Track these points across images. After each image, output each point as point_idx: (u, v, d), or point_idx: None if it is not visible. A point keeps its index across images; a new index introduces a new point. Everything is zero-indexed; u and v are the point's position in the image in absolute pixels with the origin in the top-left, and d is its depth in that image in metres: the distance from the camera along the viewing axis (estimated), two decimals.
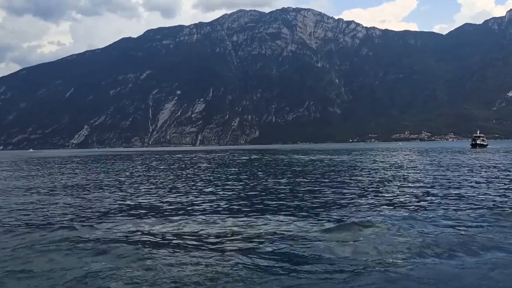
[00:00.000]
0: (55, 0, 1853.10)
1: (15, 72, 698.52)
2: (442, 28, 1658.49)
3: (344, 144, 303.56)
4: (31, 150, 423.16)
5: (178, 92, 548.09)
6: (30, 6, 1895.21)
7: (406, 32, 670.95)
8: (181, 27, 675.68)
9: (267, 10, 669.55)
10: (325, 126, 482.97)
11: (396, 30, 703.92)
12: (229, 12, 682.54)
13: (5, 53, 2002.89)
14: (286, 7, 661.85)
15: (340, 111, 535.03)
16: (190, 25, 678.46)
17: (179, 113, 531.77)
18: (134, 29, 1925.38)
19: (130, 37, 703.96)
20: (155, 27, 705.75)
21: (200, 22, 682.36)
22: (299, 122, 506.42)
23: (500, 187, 21.53)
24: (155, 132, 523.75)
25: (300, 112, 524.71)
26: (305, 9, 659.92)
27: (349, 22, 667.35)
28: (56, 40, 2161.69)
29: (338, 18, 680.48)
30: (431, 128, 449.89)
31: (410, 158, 55.89)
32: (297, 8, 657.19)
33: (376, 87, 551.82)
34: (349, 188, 21.89)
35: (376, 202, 16.82)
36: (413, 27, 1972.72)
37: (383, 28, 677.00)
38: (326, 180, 26.77)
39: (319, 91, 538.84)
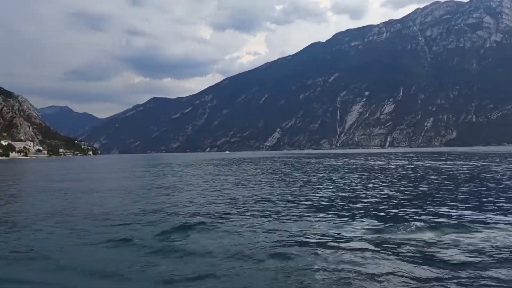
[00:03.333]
0: (252, 14, 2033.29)
1: (219, 82, 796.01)
2: None
3: None
4: (227, 152, 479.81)
5: (366, 93, 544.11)
6: (232, 21, 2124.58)
7: None
8: (370, 27, 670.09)
9: None
10: None
11: None
12: (421, 6, 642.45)
13: (212, 65, 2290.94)
14: None
15: None
16: (379, 24, 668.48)
17: (367, 114, 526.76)
18: (323, 34, 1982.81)
19: (319, 41, 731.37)
20: (343, 30, 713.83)
21: (389, 20, 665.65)
22: (506, 120, 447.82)
23: None
24: (342, 134, 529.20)
25: (506, 109, 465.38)
26: None
27: None
28: (253, 50, 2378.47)
29: None
30: None
31: None
32: None
33: None
34: None
35: None
36: None
37: None
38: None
39: None
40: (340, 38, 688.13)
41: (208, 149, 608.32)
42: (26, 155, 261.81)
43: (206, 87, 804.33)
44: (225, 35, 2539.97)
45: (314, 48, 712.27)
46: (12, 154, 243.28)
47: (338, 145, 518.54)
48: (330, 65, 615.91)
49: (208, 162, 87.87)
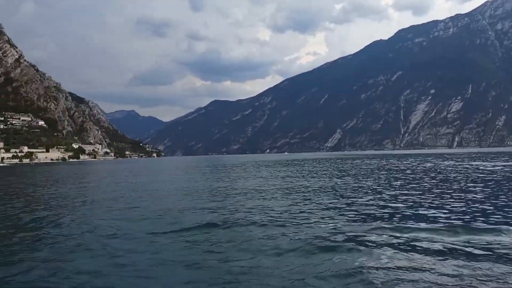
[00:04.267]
0: (311, 14, 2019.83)
1: (279, 84, 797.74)
2: None
3: None
4: (286, 153, 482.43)
5: (432, 91, 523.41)
6: (290, 22, 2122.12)
7: None
8: (434, 23, 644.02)
9: None
10: None
11: None
12: None
13: (271, 67, 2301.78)
14: None
15: None
16: (445, 19, 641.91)
17: (433, 113, 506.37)
18: (385, 31, 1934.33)
19: (380, 39, 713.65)
20: (406, 26, 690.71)
21: (456, 15, 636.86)
22: None
23: None
24: (406, 134, 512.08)
25: None
26: None
27: None
28: (312, 51, 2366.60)
29: None
30: None
31: None
32: None
33: None
34: None
35: None
36: None
37: None
38: None
39: None
40: (403, 35, 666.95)
41: (267, 151, 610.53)
42: (94, 157, 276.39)
43: (265, 88, 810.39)
44: (284, 36, 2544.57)
45: (375, 46, 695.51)
46: (82, 157, 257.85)
47: (402, 145, 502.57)
48: (392, 63, 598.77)
49: (258, 163, 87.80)
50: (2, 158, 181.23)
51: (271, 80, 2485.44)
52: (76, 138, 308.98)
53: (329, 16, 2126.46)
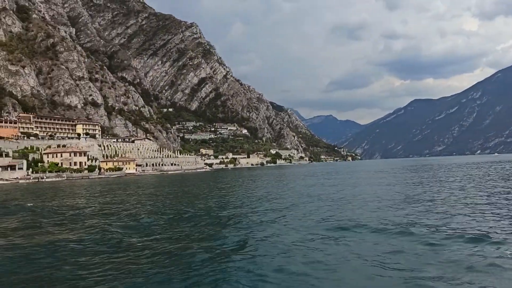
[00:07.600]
0: None
1: (490, 76, 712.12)
2: None
3: None
4: (495, 154, 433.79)
5: None
6: (501, 7, 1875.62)
7: None
8: None
9: None
10: None
11: None
12: None
13: (480, 59, 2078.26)
14: None
15: None
16: None
17: None
18: None
19: None
20: None
21: None
22: None
23: None
24: None
25: None
26: None
27: None
28: None
29: None
30: None
31: None
32: None
33: None
34: None
35: None
36: None
37: None
38: None
39: None
40: None
41: (478, 152, 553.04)
42: (290, 161, 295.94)
43: (473, 83, 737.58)
44: (495, 24, 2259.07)
45: None
46: (279, 162, 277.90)
47: None
48: None
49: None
50: (211, 164, 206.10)
51: (480, 74, 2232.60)
52: (274, 144, 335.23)
53: None
